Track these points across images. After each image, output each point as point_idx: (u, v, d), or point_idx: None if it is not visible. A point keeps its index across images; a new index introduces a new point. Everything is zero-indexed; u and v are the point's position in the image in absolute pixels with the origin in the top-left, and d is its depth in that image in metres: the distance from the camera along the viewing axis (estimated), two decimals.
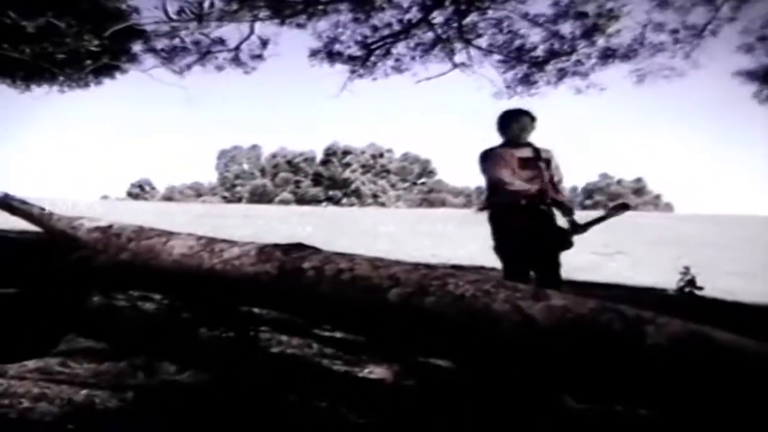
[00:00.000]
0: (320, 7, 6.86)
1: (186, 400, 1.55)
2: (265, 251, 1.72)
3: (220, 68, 7.68)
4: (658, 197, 50.50)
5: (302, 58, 7.66)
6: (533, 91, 7.43)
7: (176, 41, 7.14)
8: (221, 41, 7.34)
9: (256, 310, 2.45)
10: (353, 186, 51.85)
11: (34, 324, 2.05)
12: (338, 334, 2.29)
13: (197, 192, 54.80)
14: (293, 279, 1.57)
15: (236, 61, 7.61)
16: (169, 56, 7.30)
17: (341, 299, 1.48)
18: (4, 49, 5.87)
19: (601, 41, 6.79)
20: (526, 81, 7.42)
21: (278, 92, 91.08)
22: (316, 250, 1.66)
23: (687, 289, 4.56)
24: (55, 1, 5.86)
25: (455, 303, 1.28)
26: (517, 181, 2.81)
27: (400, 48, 7.63)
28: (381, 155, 54.44)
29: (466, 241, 10.22)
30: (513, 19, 6.93)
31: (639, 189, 48.43)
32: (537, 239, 2.72)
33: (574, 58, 7.04)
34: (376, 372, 1.91)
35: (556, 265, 2.79)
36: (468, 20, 7.01)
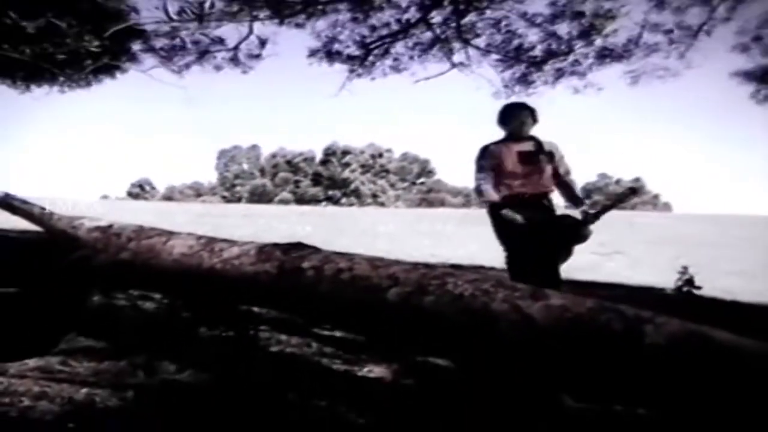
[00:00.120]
0: (319, 6, 6.86)
1: (186, 399, 1.55)
2: (264, 251, 1.72)
3: (218, 68, 7.68)
4: (656, 197, 50.52)
5: (301, 59, 7.67)
6: (531, 91, 7.44)
7: (176, 41, 7.14)
8: (220, 41, 7.34)
9: (255, 309, 2.45)
10: (352, 186, 51.84)
11: (34, 323, 2.05)
12: (338, 333, 2.30)
13: (197, 192, 54.77)
14: (293, 278, 1.58)
15: (234, 60, 7.60)
16: (168, 55, 7.30)
17: (341, 298, 1.49)
18: (4, 49, 5.86)
19: (598, 41, 6.80)
20: (524, 81, 7.43)
21: (278, 92, 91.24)
22: (315, 250, 1.66)
23: (685, 289, 4.57)
24: (56, 1, 5.86)
25: (454, 302, 1.28)
26: (490, 190, 2.87)
27: (398, 47, 7.63)
28: (380, 155, 54.44)
29: (465, 241, 10.23)
30: (511, 19, 6.93)
31: (637, 188, 48.35)
32: (536, 238, 2.73)
33: (571, 57, 7.04)
34: (375, 371, 1.91)
35: (555, 264, 2.80)
36: (466, 20, 7.01)
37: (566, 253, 2.86)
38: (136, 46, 7.19)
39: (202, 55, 7.40)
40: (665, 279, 5.01)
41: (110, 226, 2.27)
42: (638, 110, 78.10)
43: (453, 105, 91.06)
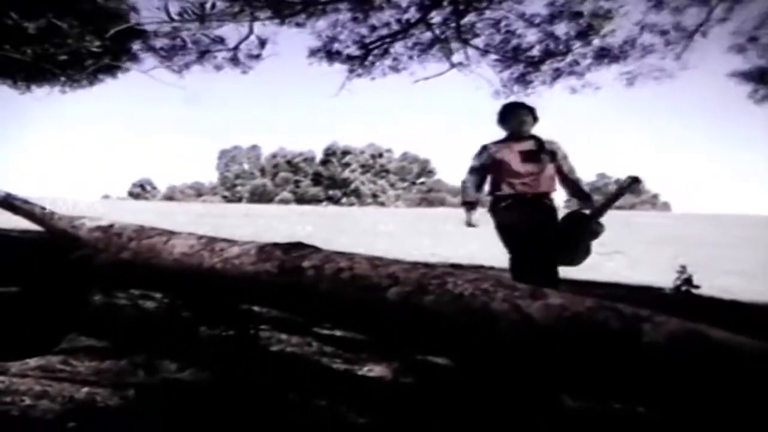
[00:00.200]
0: (319, 6, 6.86)
1: (186, 398, 1.56)
2: (265, 250, 1.73)
3: (218, 68, 7.68)
4: (655, 197, 50.51)
5: (302, 59, 7.67)
6: (529, 91, 7.44)
7: (176, 41, 7.14)
8: (221, 40, 7.34)
9: (256, 308, 2.46)
10: (353, 185, 51.84)
11: (35, 322, 2.06)
12: (338, 333, 2.30)
13: (198, 192, 54.80)
14: (293, 278, 1.58)
15: (234, 60, 7.60)
16: (168, 55, 7.30)
17: (341, 298, 1.49)
18: (5, 50, 5.87)
19: (596, 41, 6.80)
20: (523, 81, 7.43)
21: (278, 93, 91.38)
22: (315, 249, 1.67)
23: (684, 288, 4.57)
24: (57, 2, 5.86)
25: (454, 302, 1.29)
26: (469, 190, 2.94)
27: (397, 47, 7.63)
28: (380, 155, 54.45)
29: (465, 241, 10.22)
30: (510, 20, 6.93)
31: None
32: (534, 238, 2.73)
33: (569, 57, 7.04)
34: (375, 370, 1.92)
35: (554, 264, 2.80)
36: (466, 20, 7.01)
37: (585, 251, 2.83)
38: (136, 46, 7.19)
39: (203, 54, 7.40)
40: (664, 278, 5.01)
41: (111, 226, 2.28)
42: (637, 109, 78.31)
43: (453, 105, 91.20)
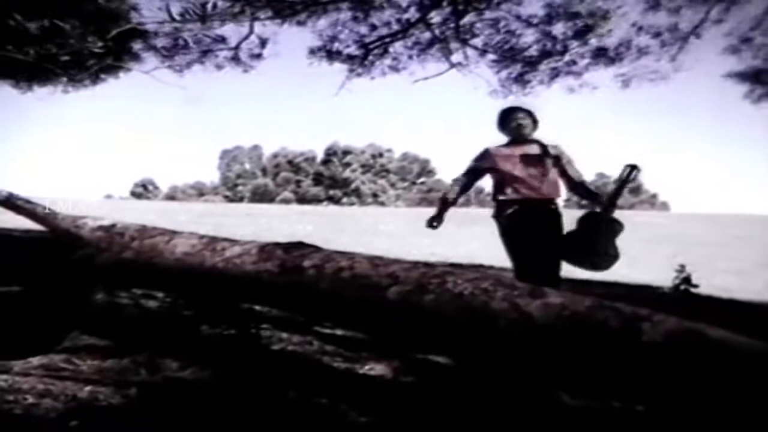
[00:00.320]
0: (320, 5, 6.87)
1: (188, 397, 1.56)
2: (266, 250, 1.73)
3: (219, 67, 7.68)
4: (654, 196, 50.53)
5: (302, 59, 7.68)
6: (527, 90, 7.43)
7: (178, 40, 7.15)
8: (222, 39, 7.34)
9: (257, 307, 2.47)
10: (353, 185, 51.86)
11: (38, 321, 2.07)
12: (338, 332, 2.31)
13: (200, 191, 54.85)
14: (294, 277, 1.59)
15: (236, 59, 7.61)
16: (170, 54, 7.30)
17: (341, 297, 1.50)
18: (8, 50, 5.88)
19: (593, 41, 6.80)
20: (520, 80, 7.42)
21: (280, 93, 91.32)
22: (316, 249, 1.67)
23: (682, 287, 4.58)
24: (59, 2, 5.87)
25: (454, 301, 1.29)
26: (450, 188, 2.97)
27: (397, 47, 7.62)
28: (381, 155, 54.47)
29: (464, 240, 10.23)
30: (509, 20, 6.93)
31: (635, 188, 48.40)
32: (541, 245, 2.66)
33: (567, 57, 7.04)
34: (375, 368, 1.92)
35: (557, 265, 2.76)
36: (465, 20, 7.01)
37: (606, 253, 2.76)
38: (138, 46, 7.20)
39: (204, 54, 7.40)
40: (663, 277, 5.02)
41: (113, 226, 2.29)
42: (635, 109, 78.11)
43: (453, 105, 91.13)
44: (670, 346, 1.05)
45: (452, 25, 7.06)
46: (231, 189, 54.36)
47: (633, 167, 2.79)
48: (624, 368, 1.10)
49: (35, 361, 1.74)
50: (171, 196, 51.06)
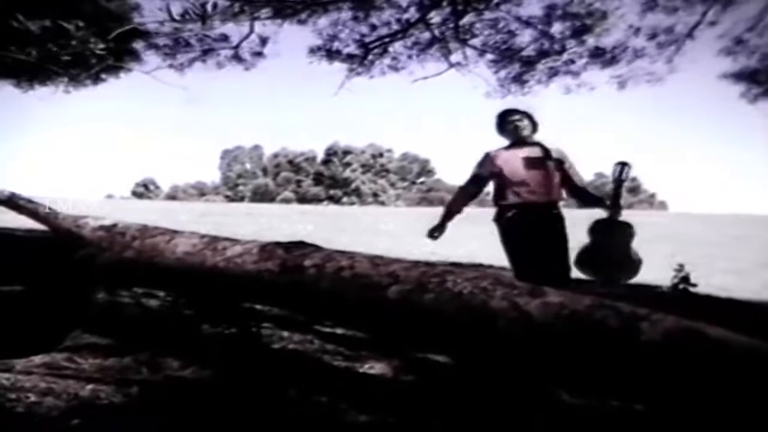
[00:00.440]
0: (321, 5, 6.87)
1: (189, 395, 1.57)
2: (267, 249, 1.74)
3: (220, 65, 7.69)
4: (652, 196, 50.51)
5: (303, 60, 7.68)
6: (526, 90, 7.43)
7: (179, 40, 7.15)
8: (224, 38, 7.34)
9: (258, 306, 2.47)
10: (353, 185, 51.88)
11: (40, 320, 2.07)
12: (339, 331, 2.31)
13: (200, 191, 54.91)
14: (294, 276, 1.59)
15: (237, 58, 7.62)
16: (171, 52, 7.30)
17: (342, 296, 1.50)
18: (10, 50, 5.89)
19: (591, 41, 6.81)
20: (519, 80, 7.41)
21: (280, 93, 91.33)
22: (317, 248, 1.68)
23: (681, 286, 4.59)
24: (60, 3, 5.88)
25: (454, 300, 1.30)
26: (452, 199, 2.97)
27: (396, 47, 7.62)
28: (381, 155, 54.49)
29: (464, 240, 10.22)
30: (509, 20, 6.93)
31: (634, 188, 48.39)
32: (543, 250, 2.63)
33: (565, 57, 7.04)
34: (376, 368, 1.93)
35: (565, 266, 2.72)
36: (465, 20, 7.01)
37: (636, 257, 2.74)
38: (139, 46, 7.21)
39: (206, 52, 7.41)
40: (662, 277, 5.02)
41: (114, 225, 2.29)
42: (633, 109, 78.08)
43: (453, 105, 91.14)
44: (668, 345, 1.06)
45: (452, 25, 7.07)
46: (232, 189, 54.39)
47: (623, 164, 2.79)
48: (623, 367, 1.10)
49: (37, 359, 1.74)
50: (172, 196, 51.09)
